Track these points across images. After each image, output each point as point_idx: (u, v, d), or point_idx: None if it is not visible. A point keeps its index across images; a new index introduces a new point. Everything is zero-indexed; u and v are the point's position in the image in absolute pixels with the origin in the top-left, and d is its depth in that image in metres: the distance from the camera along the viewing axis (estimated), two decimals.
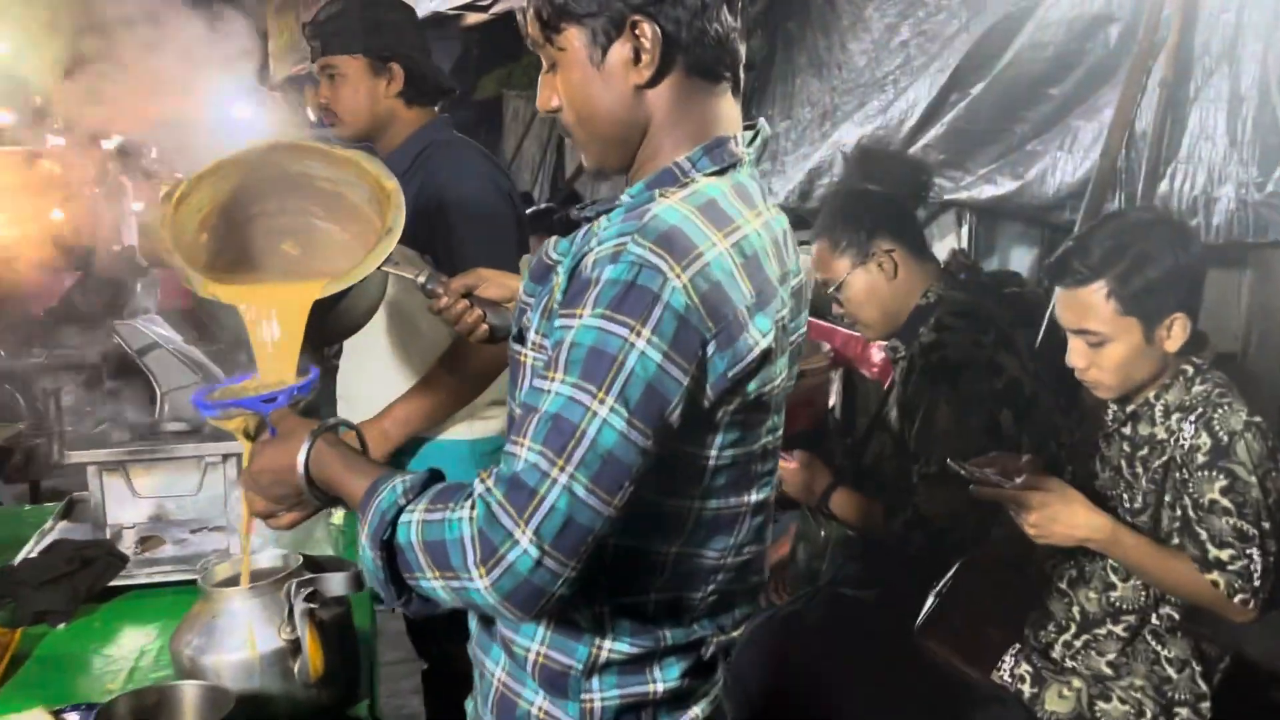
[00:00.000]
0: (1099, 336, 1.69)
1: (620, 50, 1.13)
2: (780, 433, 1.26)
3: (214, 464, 1.96)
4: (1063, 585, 1.89)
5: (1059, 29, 3.78)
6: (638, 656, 1.19)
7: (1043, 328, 3.17)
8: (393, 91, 2.16)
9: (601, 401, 1.02)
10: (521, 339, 1.21)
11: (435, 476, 1.15)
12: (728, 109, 1.18)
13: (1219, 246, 3.22)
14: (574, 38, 1.14)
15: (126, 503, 1.96)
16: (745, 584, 1.26)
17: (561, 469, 1.02)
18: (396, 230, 1.55)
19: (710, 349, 1.07)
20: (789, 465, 2.33)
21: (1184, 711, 1.77)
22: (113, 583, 1.82)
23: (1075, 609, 1.86)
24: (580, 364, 1.04)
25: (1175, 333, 1.69)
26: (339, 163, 1.64)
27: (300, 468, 1.22)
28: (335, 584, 1.41)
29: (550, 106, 1.21)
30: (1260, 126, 3.10)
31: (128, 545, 1.98)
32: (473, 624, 1.31)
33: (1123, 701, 1.78)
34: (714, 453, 1.14)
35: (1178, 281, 1.69)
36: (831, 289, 2.33)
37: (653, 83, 1.14)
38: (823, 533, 2.39)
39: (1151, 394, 1.76)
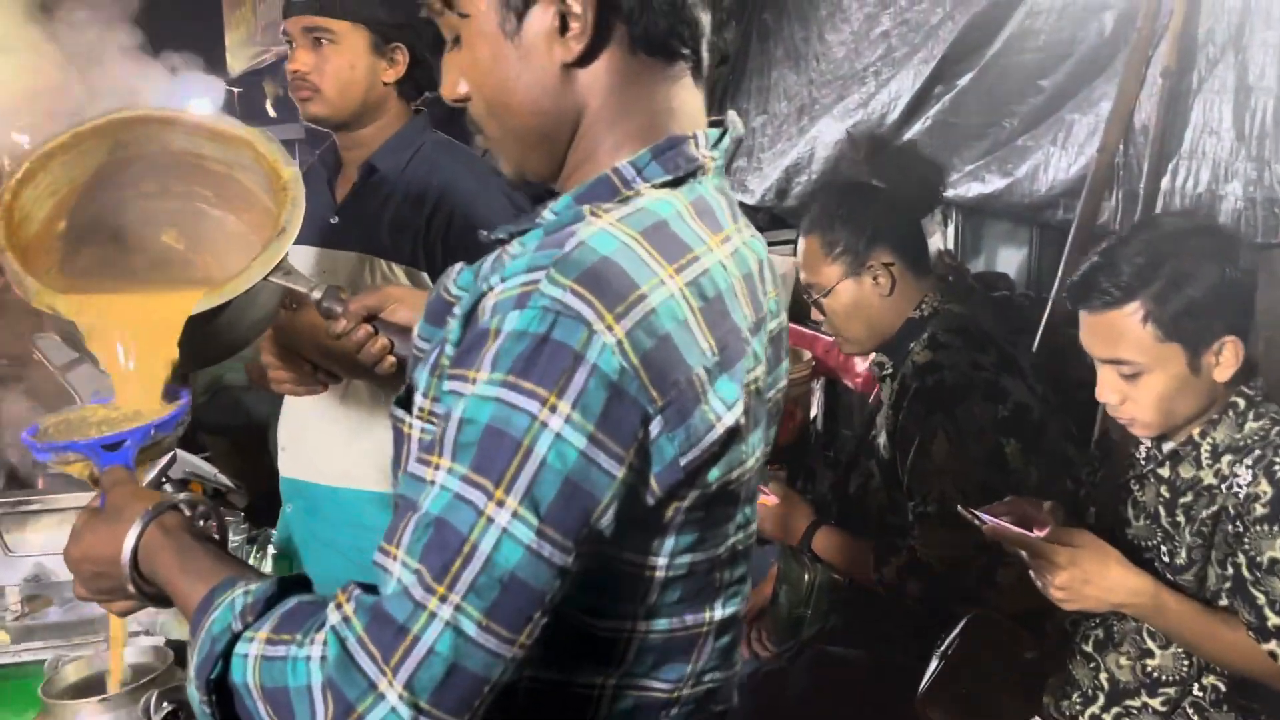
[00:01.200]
0: (1135, 367, 1.44)
1: (541, 16, 0.88)
2: (754, 528, 1.00)
3: None
4: (1088, 648, 1.64)
5: (1050, 16, 3.55)
6: None
7: (1036, 340, 2.95)
8: (391, 77, 1.89)
9: (500, 504, 0.76)
10: (407, 402, 0.94)
11: (292, 585, 0.88)
12: (686, 98, 0.93)
13: None
14: (482, 1, 0.88)
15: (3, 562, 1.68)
16: (706, 716, 0.99)
17: (442, 598, 0.76)
18: (291, 230, 1.28)
19: (655, 428, 0.81)
20: (767, 501, 2.09)
21: None
22: None
23: (1103, 676, 1.62)
24: (473, 449, 0.78)
25: (1225, 359, 1.45)
26: (231, 141, 1.37)
27: (126, 561, 0.95)
28: None
29: (457, 94, 0.95)
30: (1272, 119, 2.87)
31: (8, 607, 1.71)
32: None
33: None
34: (663, 561, 0.88)
35: (1225, 299, 1.45)
36: (816, 295, 2.08)
37: (585, 60, 0.89)
38: (806, 575, 2.14)
39: (1196, 431, 1.51)
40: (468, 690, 0.77)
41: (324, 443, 1.93)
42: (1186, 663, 1.53)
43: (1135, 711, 1.57)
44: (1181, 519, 1.52)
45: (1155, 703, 1.55)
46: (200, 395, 3.67)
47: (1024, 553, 1.46)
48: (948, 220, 4.20)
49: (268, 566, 1.86)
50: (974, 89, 3.77)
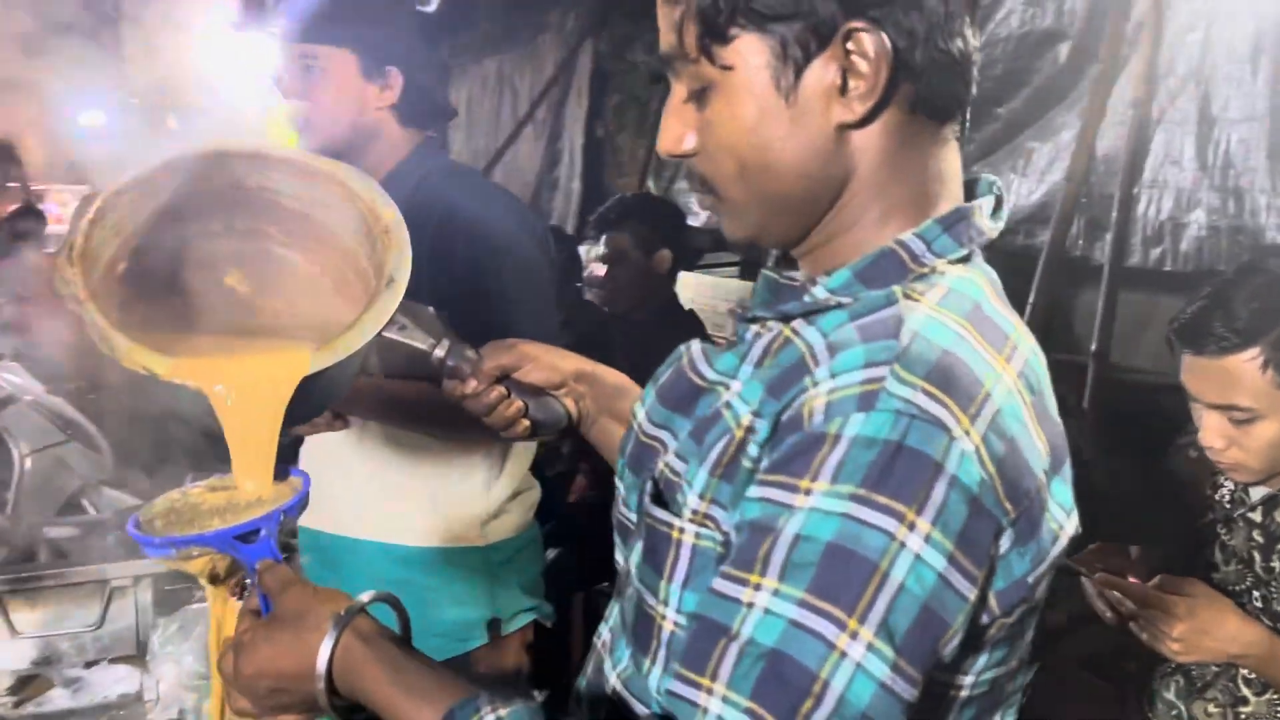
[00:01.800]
0: (1249, 413, 1.41)
1: (822, 72, 0.77)
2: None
3: (122, 588, 1.50)
4: (1170, 695, 1.62)
5: (1007, 46, 3.61)
6: None
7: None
8: (385, 102, 1.73)
9: (854, 635, 0.66)
10: (662, 500, 0.84)
11: (536, 709, 0.77)
12: (953, 161, 0.83)
13: (1186, 275, 3.08)
14: (751, 51, 0.77)
15: (2, 645, 1.49)
16: None
17: None
18: (400, 281, 1.13)
19: (1005, 543, 0.72)
20: None
21: None
22: None
23: None
24: (812, 569, 0.67)
25: None
26: (317, 178, 1.21)
27: (321, 676, 0.83)
28: None
29: (682, 149, 0.84)
30: (1235, 150, 2.96)
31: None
32: None
33: None
34: (970, 680, 0.78)
35: None
36: None
37: (865, 121, 0.78)
38: None
39: None
40: None
41: (344, 493, 1.78)
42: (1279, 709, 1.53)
43: None
44: (1278, 565, 1.51)
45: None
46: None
47: (1126, 603, 1.43)
48: None
49: None
50: None
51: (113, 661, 1.61)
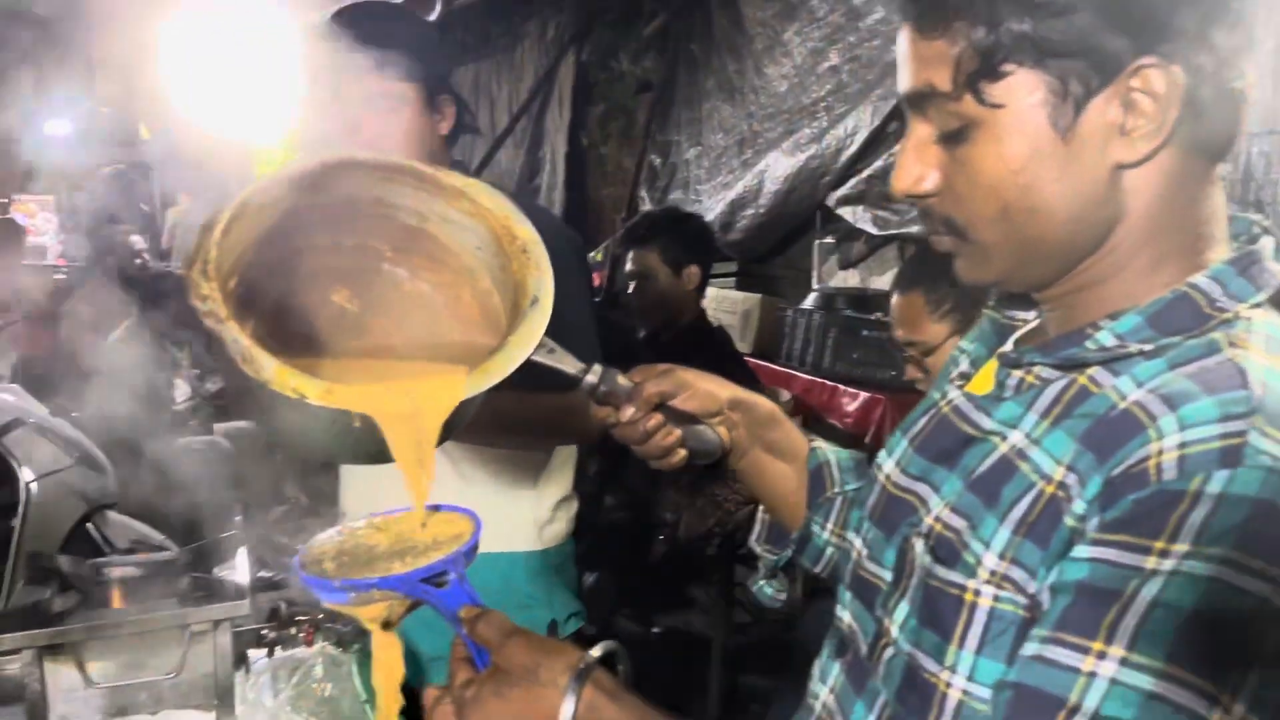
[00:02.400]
0: None
1: (1104, 109, 0.72)
2: None
3: (202, 633, 1.43)
4: None
5: None
6: None
7: None
8: (442, 133, 1.67)
9: (1226, 710, 0.62)
10: (946, 559, 0.79)
11: None
12: (1223, 204, 0.79)
13: None
14: (1025, 88, 0.73)
15: (76, 697, 1.40)
16: None
17: None
18: (545, 301, 1.07)
19: None
20: None
21: None
22: None
23: None
24: (1171, 638, 0.63)
25: None
26: (441, 192, 1.14)
27: None
28: None
29: (922, 190, 0.79)
30: (1253, 164, 2.97)
31: None
32: None
33: None
34: None
35: None
36: (915, 353, 2.00)
37: (1143, 160, 0.74)
38: None
39: None
40: None
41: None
42: None
43: None
44: None
45: None
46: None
47: None
48: (904, 254, 4.21)
49: (334, 689, 1.59)
50: None
51: (192, 709, 1.53)
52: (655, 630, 3.70)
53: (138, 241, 5.68)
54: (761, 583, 1.21)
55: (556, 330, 1.57)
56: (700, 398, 1.08)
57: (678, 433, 1.08)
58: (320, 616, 1.80)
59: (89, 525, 2.65)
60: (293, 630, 1.65)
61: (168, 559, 1.60)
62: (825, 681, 0.93)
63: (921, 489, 0.84)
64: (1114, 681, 0.63)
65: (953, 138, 0.76)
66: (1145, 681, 0.63)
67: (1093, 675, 0.64)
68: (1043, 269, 0.79)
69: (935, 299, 1.93)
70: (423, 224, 1.19)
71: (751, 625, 3.56)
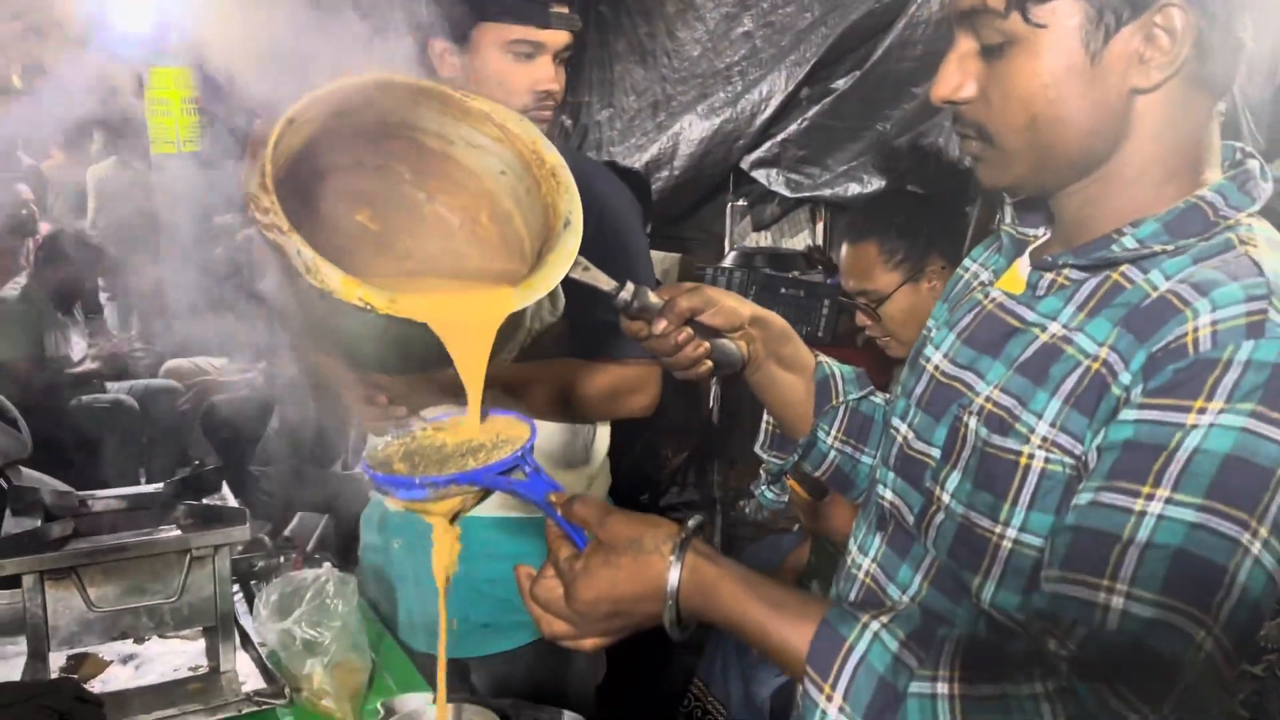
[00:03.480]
0: None
1: (1128, 40, 0.84)
2: None
3: (202, 557, 1.45)
4: None
5: (928, 28, 3.77)
6: None
7: None
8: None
9: (1255, 534, 0.75)
10: (999, 430, 0.89)
11: (923, 618, 0.83)
12: (1218, 135, 0.92)
13: None
14: (1067, 12, 0.84)
15: (76, 619, 1.41)
16: None
17: (1209, 631, 0.74)
18: (576, 222, 1.12)
19: None
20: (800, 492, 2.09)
21: None
22: None
23: None
24: (1210, 478, 0.75)
25: None
26: (467, 116, 1.18)
27: (671, 594, 0.85)
28: None
29: (961, 96, 0.90)
30: None
31: (54, 673, 1.45)
32: None
33: None
34: None
35: None
36: (866, 301, 2.12)
37: (1154, 87, 0.86)
38: None
39: None
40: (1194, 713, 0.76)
41: None
42: None
43: (1235, 677, 1.73)
44: None
45: (1257, 669, 1.72)
46: None
47: None
48: (816, 218, 4.37)
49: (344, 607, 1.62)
50: (853, 93, 3.95)
51: (192, 632, 1.56)
52: None
53: (24, 191, 5.44)
54: (764, 488, 1.31)
55: (625, 258, 1.63)
56: (725, 313, 1.16)
57: (706, 346, 1.16)
58: (309, 547, 1.83)
59: (1, 479, 2.61)
60: (281, 559, 1.69)
61: (153, 491, 1.61)
62: (867, 553, 1.04)
63: (969, 376, 0.95)
64: (1161, 518, 0.75)
65: (994, 52, 0.87)
66: (1189, 515, 0.75)
67: (1143, 514, 0.76)
68: (1055, 176, 0.91)
69: (888, 249, 2.05)
70: (446, 147, 1.22)
71: None
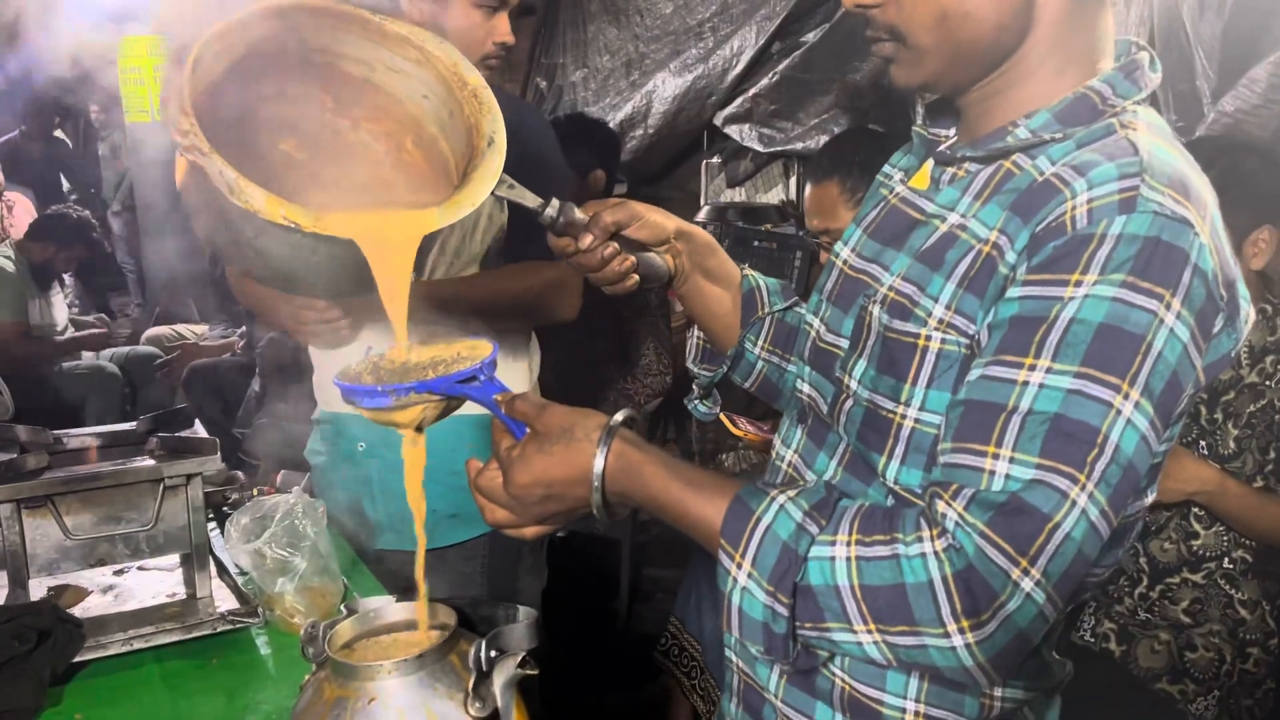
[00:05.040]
0: None
1: None
2: None
3: (175, 486, 1.50)
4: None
5: None
6: (1029, 701, 0.98)
7: None
8: None
9: (1126, 396, 0.80)
10: (900, 315, 0.94)
11: (827, 489, 0.88)
12: (1112, 24, 0.96)
13: None
14: None
15: (54, 547, 1.46)
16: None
17: (1083, 488, 0.79)
18: (500, 141, 1.14)
19: (1219, 324, 0.86)
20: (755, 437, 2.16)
21: (1255, 651, 1.79)
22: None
23: (1143, 560, 1.83)
24: (1085, 346, 0.80)
25: (1261, 248, 1.68)
26: (386, 40, 1.19)
27: (598, 477, 0.90)
28: (518, 637, 1.08)
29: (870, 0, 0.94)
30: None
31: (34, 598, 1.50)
32: (771, 679, 1.04)
33: (1205, 649, 1.78)
34: (1164, 449, 0.92)
35: (1264, 195, 1.68)
36: (829, 240, 2.17)
37: None
38: None
39: None
40: (1079, 574, 0.80)
41: None
42: (1225, 539, 1.77)
43: (1176, 587, 1.80)
44: (1221, 415, 1.75)
45: (1197, 577, 1.78)
46: None
47: None
48: (789, 172, 4.40)
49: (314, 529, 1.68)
50: (823, 46, 3.97)
51: (169, 563, 1.61)
52: (560, 535, 3.85)
53: None
54: (696, 401, 1.36)
55: (546, 176, 1.68)
56: (650, 227, 1.19)
57: (632, 259, 1.18)
58: (278, 478, 1.88)
59: None
60: (254, 492, 1.74)
61: (127, 429, 1.66)
62: (790, 445, 1.09)
63: (874, 269, 1.00)
64: (1042, 386, 0.80)
65: None
66: (1066, 382, 0.80)
67: (1025, 384, 0.81)
68: (967, 70, 0.95)
69: (850, 186, 2.09)
70: (368, 74, 1.23)
71: (653, 523, 3.75)
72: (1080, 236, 0.83)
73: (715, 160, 4.59)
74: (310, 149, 1.25)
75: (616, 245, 1.17)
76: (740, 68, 4.25)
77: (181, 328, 4.52)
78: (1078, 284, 0.81)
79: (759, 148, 4.23)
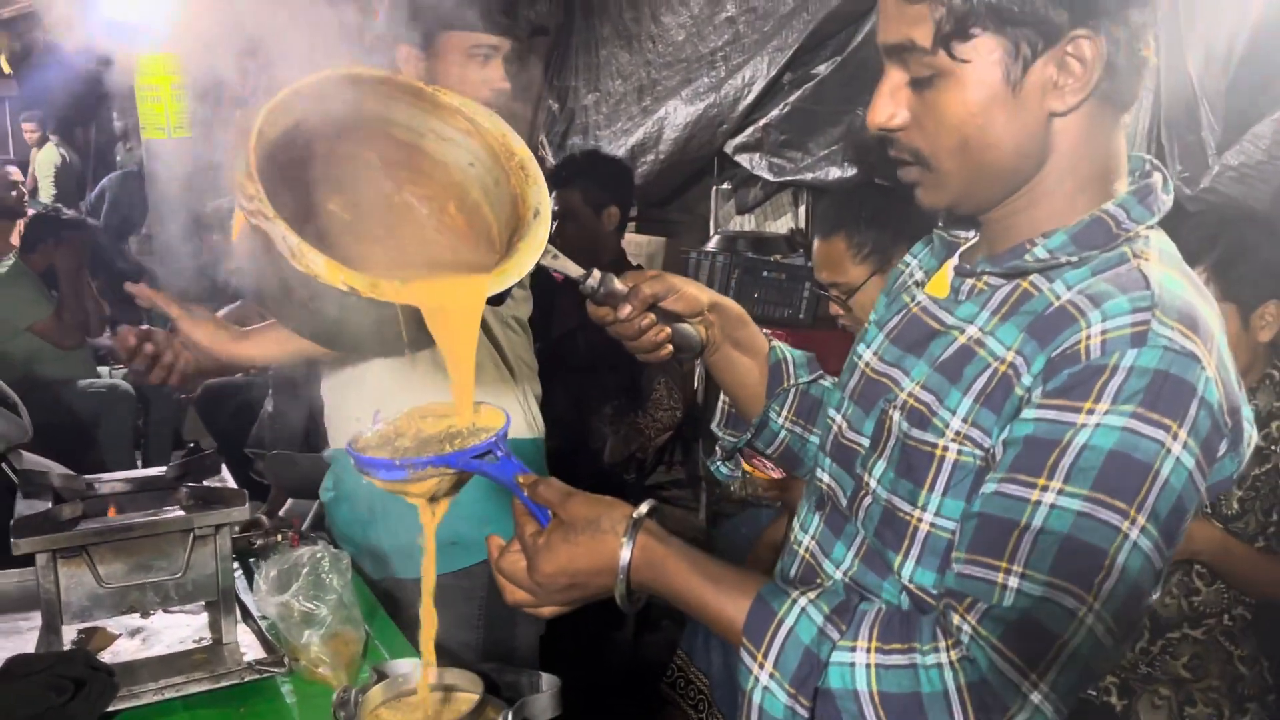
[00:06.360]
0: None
1: (1044, 69, 0.92)
2: None
3: (204, 536, 1.54)
4: None
5: None
6: None
7: None
8: None
9: (1133, 521, 0.84)
10: (919, 424, 0.98)
11: (846, 593, 0.92)
12: (1124, 144, 1.00)
13: None
14: (987, 48, 0.91)
15: (87, 595, 1.51)
16: None
17: (1090, 608, 0.84)
18: (545, 212, 1.18)
19: (1223, 448, 0.91)
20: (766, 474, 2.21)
21: (1254, 707, 1.83)
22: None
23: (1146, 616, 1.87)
24: (1096, 472, 0.85)
25: (1269, 320, 1.73)
26: (438, 110, 1.25)
27: (623, 570, 0.95)
28: (543, 707, 1.13)
29: (894, 124, 0.98)
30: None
31: (67, 646, 1.54)
32: None
33: (1205, 704, 1.82)
34: (1164, 566, 0.94)
35: (1270, 268, 1.72)
36: (838, 293, 2.20)
37: (1070, 110, 0.94)
38: None
39: None
40: (1086, 684, 0.85)
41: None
42: (1225, 596, 1.81)
43: (1176, 642, 1.84)
44: None
45: (1197, 633, 1.82)
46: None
47: None
48: (799, 201, 4.44)
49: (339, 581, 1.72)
50: (834, 79, 4.01)
51: (195, 607, 1.65)
52: None
53: (13, 172, 5.50)
54: (719, 463, 1.41)
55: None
56: (686, 300, 1.24)
57: (667, 330, 1.23)
58: (304, 526, 1.92)
59: (3, 464, 2.70)
60: (279, 538, 1.78)
61: (157, 474, 1.70)
62: (807, 530, 1.13)
63: (895, 373, 1.04)
64: (1053, 507, 0.85)
65: (923, 83, 0.95)
66: (1076, 504, 0.84)
67: (1038, 504, 0.85)
68: (989, 193, 0.99)
69: (856, 243, 2.13)
70: (416, 140, 1.28)
71: None
72: (1094, 366, 0.87)
73: (725, 187, 4.64)
74: (356, 209, 1.30)
75: (654, 316, 1.23)
76: (751, 97, 4.29)
77: None
78: (1090, 411, 0.86)
79: (769, 177, 4.27)
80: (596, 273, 1.22)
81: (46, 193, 7.25)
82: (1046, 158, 0.96)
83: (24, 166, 6.36)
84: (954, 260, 1.09)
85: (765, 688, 0.89)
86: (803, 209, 4.41)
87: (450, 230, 1.31)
